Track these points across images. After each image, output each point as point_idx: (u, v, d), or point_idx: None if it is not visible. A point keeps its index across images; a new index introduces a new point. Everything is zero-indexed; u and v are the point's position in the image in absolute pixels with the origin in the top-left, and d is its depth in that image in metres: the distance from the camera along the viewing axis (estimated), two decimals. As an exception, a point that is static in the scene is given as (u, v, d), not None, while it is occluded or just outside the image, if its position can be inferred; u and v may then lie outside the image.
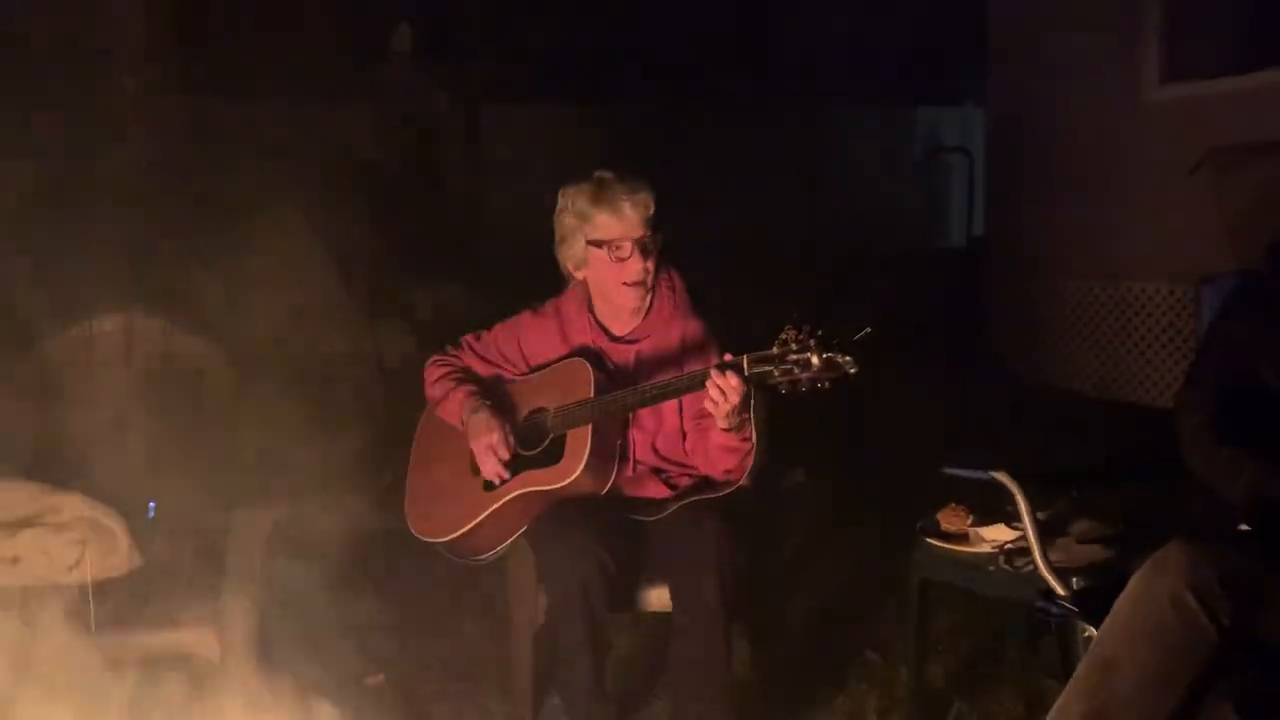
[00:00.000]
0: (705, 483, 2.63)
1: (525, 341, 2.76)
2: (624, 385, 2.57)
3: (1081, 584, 2.21)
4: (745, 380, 2.31)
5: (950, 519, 2.69)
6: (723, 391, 2.31)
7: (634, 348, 2.68)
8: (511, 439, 2.60)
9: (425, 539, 2.70)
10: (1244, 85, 5.65)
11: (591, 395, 2.55)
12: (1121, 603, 1.86)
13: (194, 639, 2.38)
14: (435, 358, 2.81)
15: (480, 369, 2.78)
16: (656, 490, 2.63)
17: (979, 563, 2.56)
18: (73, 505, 2.51)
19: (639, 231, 2.60)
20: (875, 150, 11.31)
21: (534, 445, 2.62)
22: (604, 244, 2.61)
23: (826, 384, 2.21)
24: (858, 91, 11.16)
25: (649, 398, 2.50)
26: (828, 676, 3.06)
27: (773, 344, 2.27)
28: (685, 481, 2.65)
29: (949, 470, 2.36)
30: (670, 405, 2.60)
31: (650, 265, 2.62)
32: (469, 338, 2.82)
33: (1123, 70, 6.26)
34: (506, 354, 2.78)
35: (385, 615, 3.23)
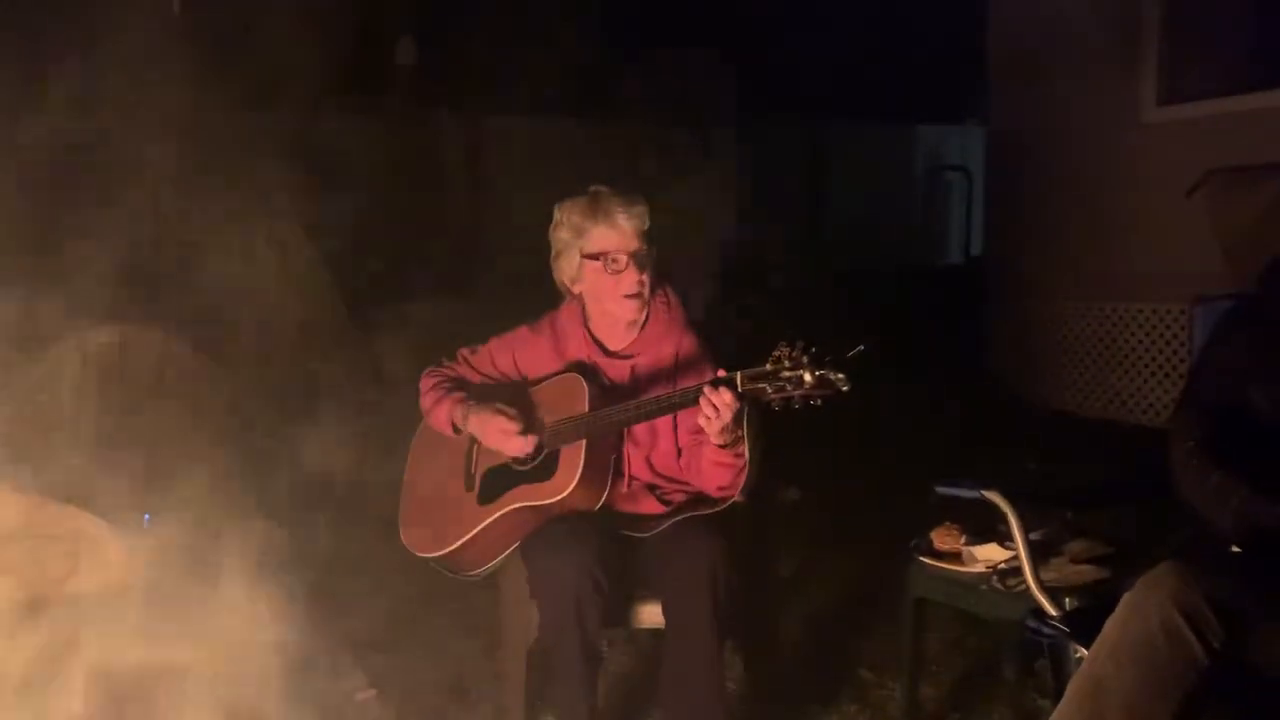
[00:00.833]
0: (699, 498, 2.63)
1: (520, 356, 2.76)
2: (619, 400, 2.57)
3: (1074, 604, 2.21)
4: (739, 397, 2.32)
5: (944, 538, 2.69)
6: (716, 408, 2.32)
7: (629, 363, 2.68)
8: (514, 414, 2.60)
9: (419, 554, 2.70)
10: (1242, 107, 5.67)
11: (586, 410, 2.56)
12: (1111, 624, 1.86)
13: (185, 651, 2.38)
14: (430, 370, 2.82)
15: (475, 380, 2.79)
16: (650, 506, 2.63)
17: (972, 582, 2.56)
18: (66, 517, 2.51)
19: (634, 244, 2.60)
20: (876, 168, 11.34)
21: (529, 460, 2.62)
22: (599, 256, 2.62)
23: (819, 401, 2.21)
24: (858, 110, 11.19)
25: (643, 413, 2.50)
26: (821, 694, 3.06)
27: (767, 361, 2.27)
28: (679, 497, 2.65)
29: (941, 488, 2.36)
30: (665, 421, 2.60)
31: (645, 278, 2.62)
32: (464, 351, 2.82)
33: (1122, 91, 6.29)
34: (502, 368, 2.78)
35: (377, 631, 3.22)
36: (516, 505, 2.56)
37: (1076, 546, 2.57)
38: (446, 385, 2.75)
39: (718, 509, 2.58)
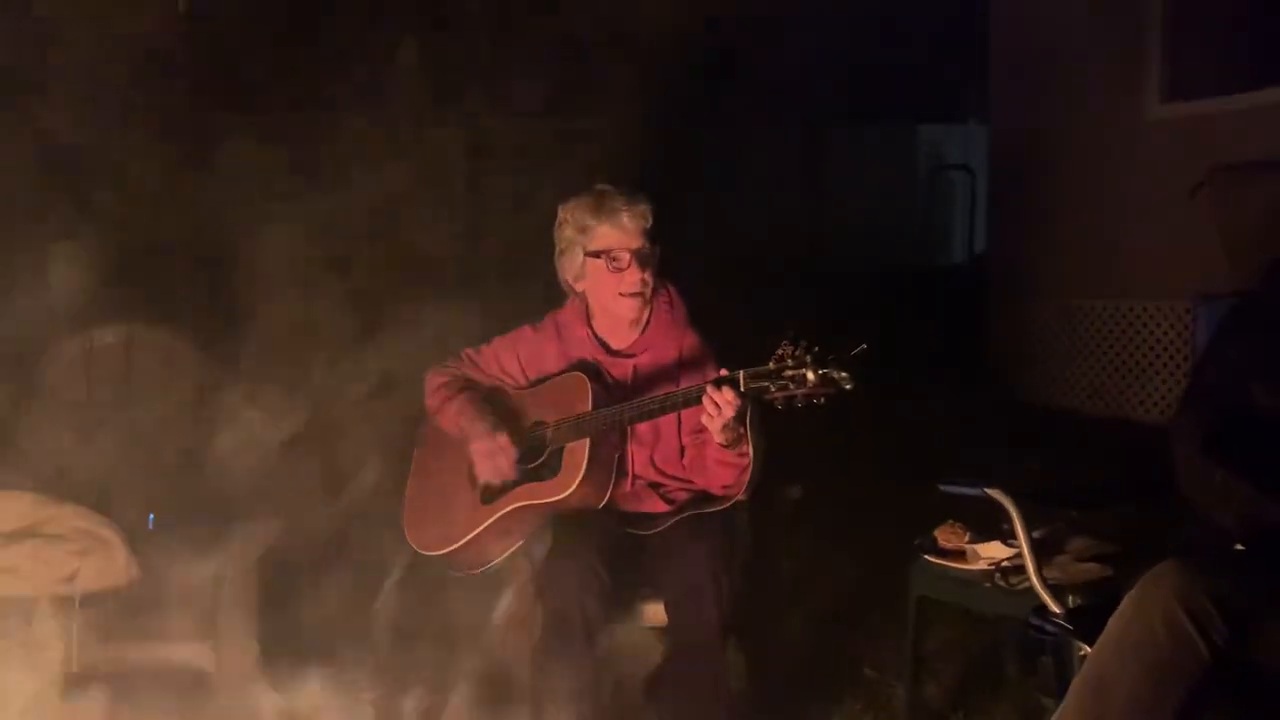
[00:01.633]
0: (702, 497, 2.63)
1: (524, 355, 2.77)
2: (622, 399, 2.58)
3: (1077, 602, 2.21)
4: (742, 396, 2.32)
5: (948, 536, 2.70)
6: (718, 406, 2.32)
7: (632, 361, 2.69)
8: (514, 451, 2.61)
9: (423, 552, 2.71)
10: (1245, 104, 5.67)
11: (590, 409, 2.56)
12: (1114, 621, 1.86)
13: (191, 650, 2.39)
14: (435, 369, 2.82)
15: (480, 381, 2.79)
16: (654, 505, 2.64)
17: (975, 580, 2.56)
18: (71, 516, 2.52)
19: (637, 242, 2.61)
20: (879, 168, 11.33)
21: (532, 459, 2.62)
22: (602, 254, 2.62)
23: (822, 399, 2.22)
24: (861, 109, 11.19)
25: (646, 412, 2.50)
26: (824, 692, 3.06)
27: (769, 360, 2.27)
28: (682, 496, 2.65)
29: (944, 486, 2.36)
30: (668, 420, 2.60)
31: (648, 277, 2.63)
32: (468, 351, 2.83)
33: (1125, 89, 6.28)
34: (505, 367, 2.78)
35: (382, 629, 3.22)
36: (520, 504, 2.57)
37: (1079, 544, 2.57)
38: (456, 384, 2.76)
39: (721, 507, 2.59)
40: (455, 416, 2.70)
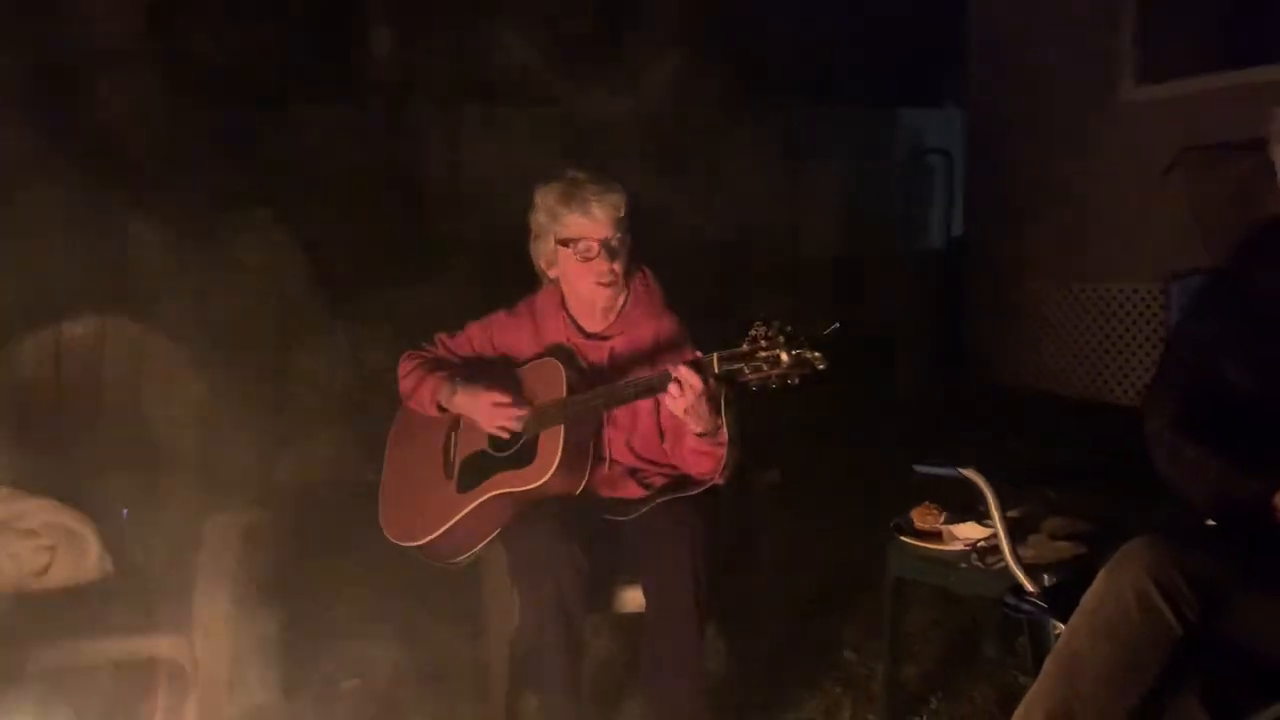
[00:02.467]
0: (680, 482, 2.63)
1: (499, 340, 2.76)
2: (598, 383, 2.57)
3: (1052, 581, 2.22)
4: (716, 378, 2.31)
5: (924, 517, 2.70)
6: (680, 386, 2.31)
7: (608, 344, 2.68)
8: (507, 390, 2.58)
9: (399, 542, 2.69)
10: (1218, 85, 5.70)
11: (564, 395, 2.55)
12: (1087, 597, 1.87)
13: (166, 645, 2.37)
14: (407, 354, 2.81)
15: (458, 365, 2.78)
16: (631, 490, 2.63)
17: (951, 560, 2.57)
18: (42, 510, 2.49)
19: (607, 233, 2.60)
20: (856, 151, 11.34)
21: (507, 446, 2.61)
22: (571, 243, 2.61)
23: (797, 380, 2.21)
24: (838, 93, 11.17)
25: (620, 397, 2.50)
26: (803, 676, 3.07)
27: (743, 341, 2.27)
28: (660, 481, 2.65)
29: (919, 467, 2.36)
30: (646, 404, 2.59)
31: (617, 267, 2.61)
32: (442, 336, 2.81)
33: (1099, 71, 6.31)
34: (480, 353, 2.77)
35: (360, 619, 3.22)
36: (496, 492, 2.55)
37: (1054, 523, 2.58)
38: (428, 366, 2.74)
39: (698, 491, 2.58)
40: (432, 395, 2.68)
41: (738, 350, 2.26)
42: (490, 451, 2.62)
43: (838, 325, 2.19)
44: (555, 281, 2.72)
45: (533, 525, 2.50)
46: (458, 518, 2.59)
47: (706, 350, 2.34)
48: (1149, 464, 2.15)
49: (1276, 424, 2.05)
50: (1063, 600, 2.02)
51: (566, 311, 2.70)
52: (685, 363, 2.32)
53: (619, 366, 2.64)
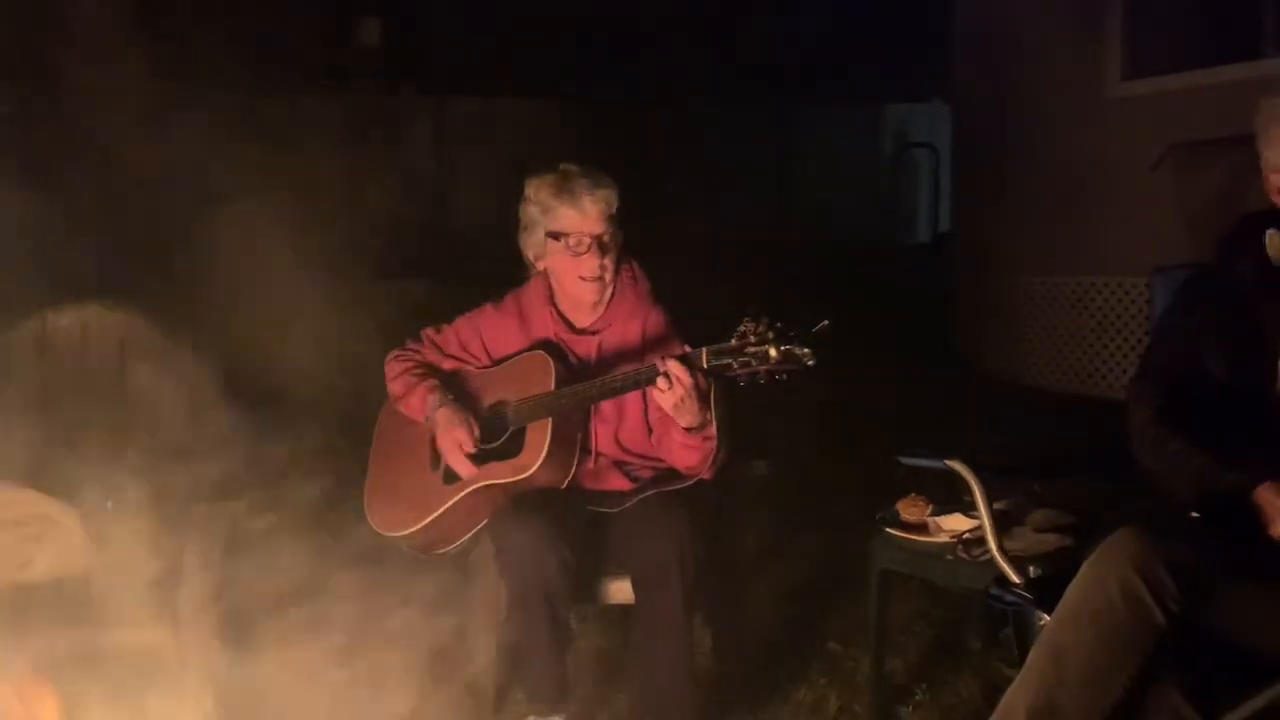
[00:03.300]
0: (667, 474, 2.63)
1: (486, 334, 2.75)
2: (586, 377, 2.57)
3: (1037, 572, 2.23)
4: (705, 373, 2.32)
5: (910, 509, 2.71)
6: (669, 380, 2.31)
7: (596, 339, 2.68)
8: (477, 433, 2.59)
9: (385, 533, 2.69)
10: (1205, 80, 5.71)
11: (552, 388, 2.55)
12: (1072, 589, 1.88)
13: (150, 636, 2.36)
14: (396, 352, 2.80)
15: (441, 362, 2.77)
16: (618, 483, 2.63)
17: (937, 552, 2.58)
18: (26, 501, 2.48)
19: (598, 228, 2.59)
20: (844, 146, 11.37)
21: (495, 438, 2.61)
22: (562, 236, 2.61)
23: (785, 375, 2.22)
24: (826, 88, 11.20)
25: (608, 390, 2.50)
26: (789, 667, 3.08)
27: (732, 336, 2.27)
28: (647, 473, 2.65)
29: (905, 459, 2.37)
30: (633, 398, 2.60)
31: (607, 262, 2.61)
32: (429, 331, 2.80)
33: (1086, 66, 6.32)
34: (468, 347, 2.77)
35: (346, 611, 3.20)
36: (484, 483, 2.55)
37: (1040, 515, 2.60)
38: (418, 371, 2.73)
39: (685, 484, 2.59)
40: (419, 404, 2.68)
41: (727, 345, 2.27)
42: (479, 443, 2.61)
43: (826, 322, 2.19)
44: (543, 274, 2.71)
45: (519, 516, 2.50)
46: (444, 508, 2.58)
47: (694, 344, 2.35)
48: (1133, 456, 2.16)
49: (1259, 417, 2.06)
50: (1047, 592, 2.04)
51: (554, 306, 2.70)
52: (674, 357, 2.32)
53: (607, 361, 2.64)
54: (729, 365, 2.27)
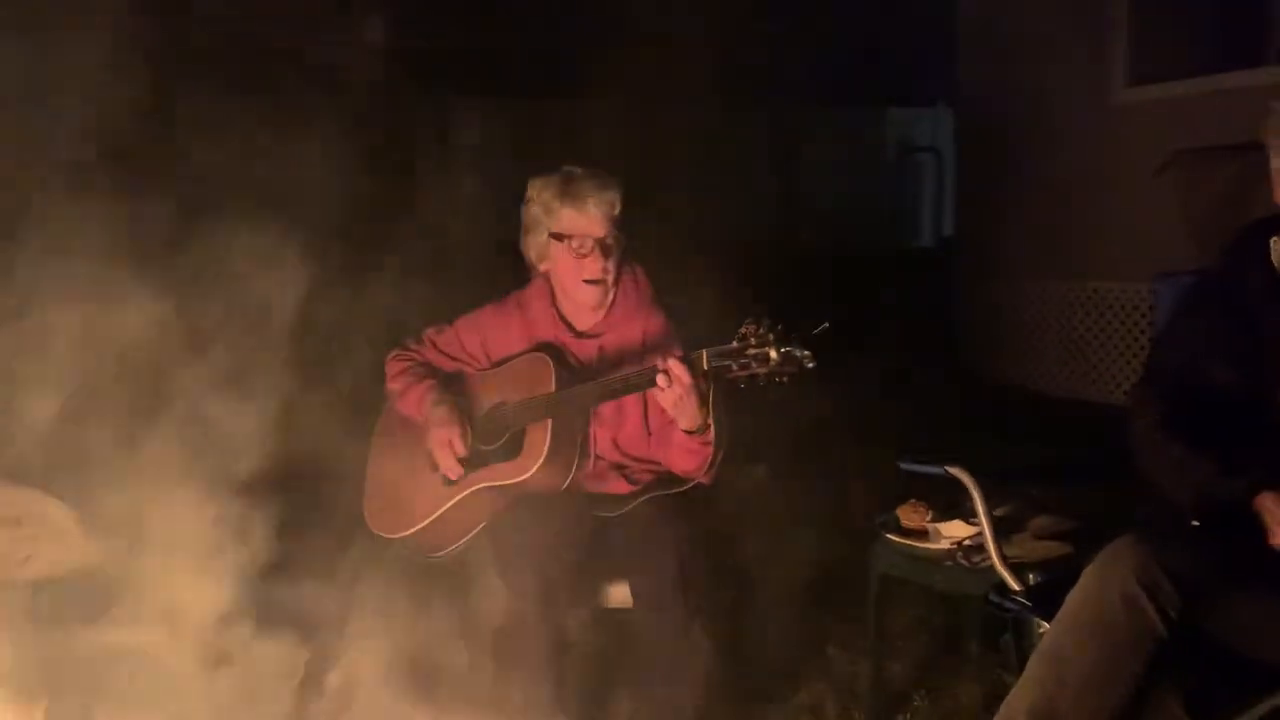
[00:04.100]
0: (666, 478, 2.63)
1: (487, 335, 2.75)
2: (586, 380, 2.56)
3: (1037, 579, 2.23)
4: (705, 375, 2.31)
5: (910, 515, 2.70)
6: (668, 378, 2.30)
7: (596, 342, 2.67)
8: (469, 435, 2.59)
9: (384, 534, 2.69)
10: (1210, 87, 5.71)
11: (552, 390, 2.55)
12: (1072, 596, 1.87)
13: (148, 634, 2.36)
14: (396, 351, 2.79)
15: (442, 363, 2.77)
16: (617, 486, 2.63)
17: (937, 558, 2.57)
18: (25, 500, 2.48)
19: (601, 230, 2.59)
20: (847, 151, 11.37)
21: (494, 440, 2.61)
22: (565, 238, 2.60)
23: (785, 378, 2.21)
24: (830, 93, 11.19)
25: (608, 392, 2.49)
26: (788, 672, 3.07)
27: (733, 339, 2.27)
28: (646, 477, 2.64)
29: (905, 465, 2.37)
30: (633, 401, 2.59)
31: (610, 265, 2.61)
32: (430, 331, 2.80)
33: (1091, 72, 6.32)
34: (468, 348, 2.76)
35: (343, 614, 3.20)
36: (481, 486, 2.55)
37: (1040, 522, 2.59)
38: (418, 371, 2.73)
39: (684, 488, 2.58)
40: (417, 403, 2.68)
41: (727, 348, 2.27)
42: (478, 444, 2.61)
43: (827, 325, 2.19)
44: (545, 275, 2.71)
45: (518, 520, 2.49)
46: (443, 510, 2.58)
47: (695, 348, 2.34)
48: (1134, 462, 2.15)
49: (1261, 424, 2.05)
50: (1047, 599, 2.03)
51: (556, 308, 2.69)
52: (674, 356, 2.32)
53: (608, 363, 2.63)
54: (729, 367, 2.26)
